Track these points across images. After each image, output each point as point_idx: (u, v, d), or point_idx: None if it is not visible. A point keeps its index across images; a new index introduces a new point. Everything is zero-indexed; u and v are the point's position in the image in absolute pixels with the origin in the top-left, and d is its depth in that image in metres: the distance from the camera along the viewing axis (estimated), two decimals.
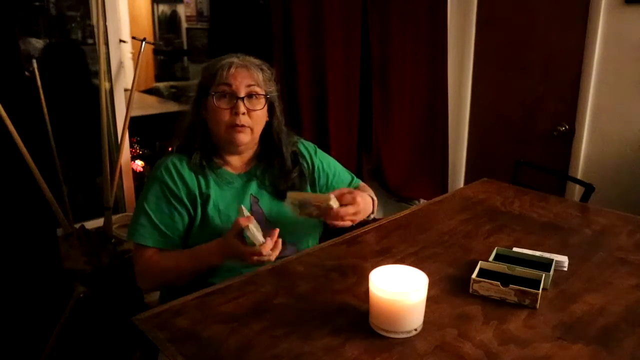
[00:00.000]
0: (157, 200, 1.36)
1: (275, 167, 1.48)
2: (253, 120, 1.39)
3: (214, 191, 1.40)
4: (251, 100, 1.38)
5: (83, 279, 2.00)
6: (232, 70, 1.37)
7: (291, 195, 1.37)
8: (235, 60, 1.39)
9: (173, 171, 1.39)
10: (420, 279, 1.04)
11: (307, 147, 1.60)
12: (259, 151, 1.50)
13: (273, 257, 1.24)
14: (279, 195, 1.46)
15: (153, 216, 1.35)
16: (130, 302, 2.03)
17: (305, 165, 1.55)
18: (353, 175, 1.68)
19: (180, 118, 1.48)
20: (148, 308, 1.13)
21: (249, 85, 1.38)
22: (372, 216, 1.56)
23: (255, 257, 1.22)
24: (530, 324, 1.07)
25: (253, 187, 1.46)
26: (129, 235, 1.38)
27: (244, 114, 1.36)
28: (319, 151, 1.62)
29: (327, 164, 1.61)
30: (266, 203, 1.46)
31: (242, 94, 1.36)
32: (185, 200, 1.38)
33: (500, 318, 1.08)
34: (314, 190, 1.56)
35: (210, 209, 1.38)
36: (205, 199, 1.39)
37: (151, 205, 1.36)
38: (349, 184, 1.64)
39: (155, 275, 1.38)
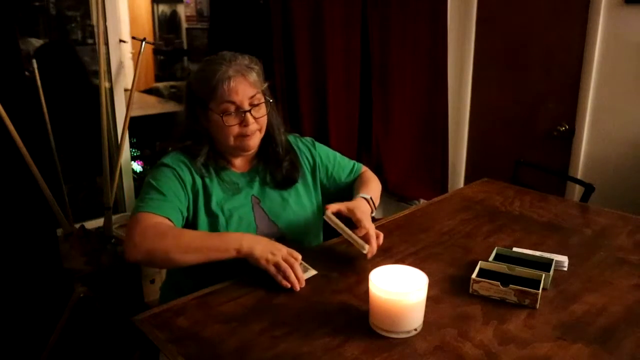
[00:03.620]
0: (166, 180, 1.34)
1: (270, 157, 1.49)
2: (260, 124, 1.41)
3: (216, 191, 1.41)
4: (255, 108, 1.39)
5: (83, 279, 2.00)
6: (232, 84, 1.34)
7: (327, 215, 1.36)
8: (230, 72, 1.34)
9: (180, 162, 1.39)
10: (420, 279, 1.04)
11: (305, 143, 1.60)
12: (259, 148, 1.50)
13: (297, 286, 1.22)
14: (281, 185, 1.48)
15: (163, 190, 1.31)
16: (130, 302, 2.03)
17: (307, 161, 1.56)
18: (354, 162, 1.67)
19: (177, 122, 1.48)
20: (148, 308, 1.13)
21: (251, 96, 1.37)
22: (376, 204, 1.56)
23: (291, 261, 1.22)
24: (530, 324, 1.07)
25: (255, 187, 1.46)
26: (136, 209, 1.27)
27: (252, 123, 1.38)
28: (318, 144, 1.62)
29: (326, 156, 1.61)
30: (268, 203, 1.46)
31: (247, 107, 1.36)
32: (189, 189, 1.37)
33: (500, 318, 1.08)
34: (315, 183, 1.56)
35: (214, 206, 1.39)
36: (208, 198, 1.39)
37: (160, 183, 1.33)
38: (350, 173, 1.64)
39: (158, 235, 1.22)
